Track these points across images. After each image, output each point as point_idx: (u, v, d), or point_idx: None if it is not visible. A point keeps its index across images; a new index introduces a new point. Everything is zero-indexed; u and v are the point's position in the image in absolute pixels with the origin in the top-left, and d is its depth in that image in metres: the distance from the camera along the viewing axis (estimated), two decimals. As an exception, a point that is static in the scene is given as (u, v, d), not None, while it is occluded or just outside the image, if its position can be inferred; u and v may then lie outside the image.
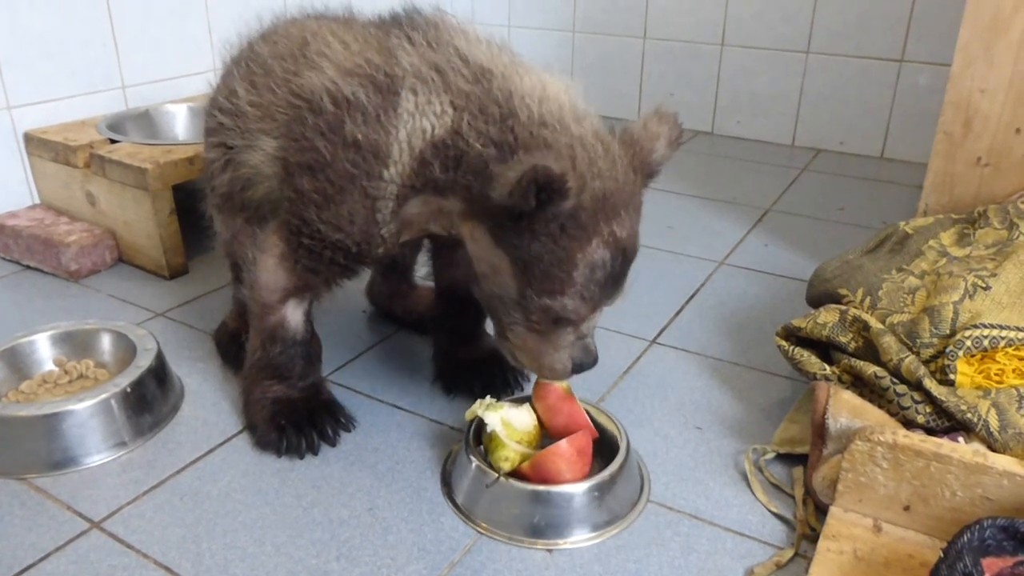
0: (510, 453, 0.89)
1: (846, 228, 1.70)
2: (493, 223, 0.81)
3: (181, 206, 1.44)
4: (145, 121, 1.67)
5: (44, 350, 1.11)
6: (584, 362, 0.89)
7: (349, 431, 1.03)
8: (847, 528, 0.85)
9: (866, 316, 0.98)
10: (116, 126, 1.57)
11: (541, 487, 0.87)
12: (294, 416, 1.00)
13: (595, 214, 0.79)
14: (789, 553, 0.85)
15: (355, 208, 0.87)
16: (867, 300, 1.02)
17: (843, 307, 1.02)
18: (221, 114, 1.01)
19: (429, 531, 0.88)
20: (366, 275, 1.36)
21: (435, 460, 0.99)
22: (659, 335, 1.28)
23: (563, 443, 0.88)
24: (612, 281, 0.83)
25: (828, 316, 1.02)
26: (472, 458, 0.91)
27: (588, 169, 0.79)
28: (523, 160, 0.76)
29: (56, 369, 1.11)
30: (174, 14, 1.78)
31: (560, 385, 0.93)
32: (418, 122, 0.84)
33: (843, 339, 0.99)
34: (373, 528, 0.88)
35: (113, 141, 1.49)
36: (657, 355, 1.23)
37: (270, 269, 0.96)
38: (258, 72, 0.97)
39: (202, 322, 1.30)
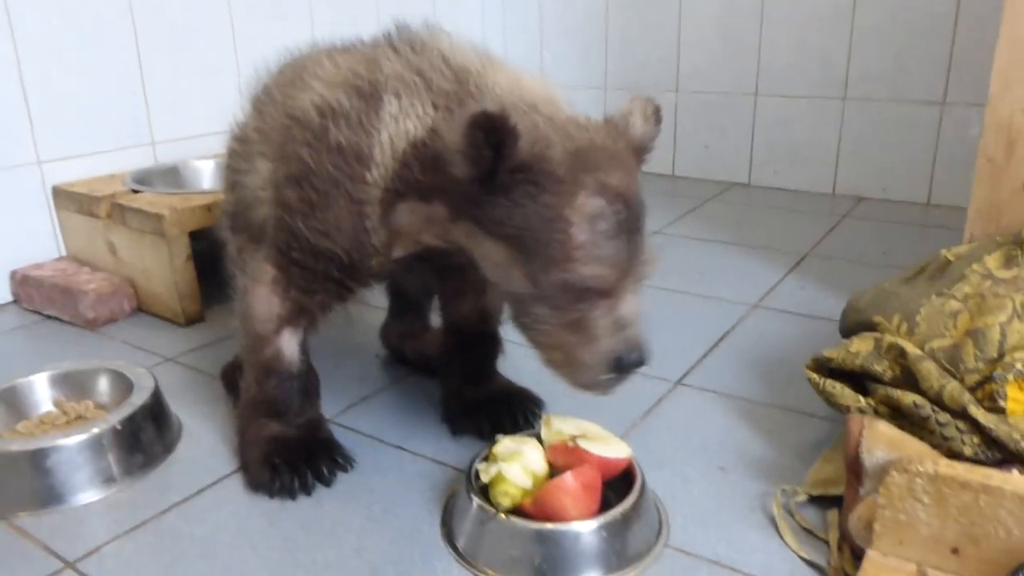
0: (510, 488, 0.81)
1: (890, 271, 1.59)
2: (475, 211, 0.77)
3: (199, 256, 1.43)
4: (173, 176, 1.69)
5: (43, 391, 1.09)
6: (625, 356, 0.77)
7: (347, 471, 0.97)
8: (886, 573, 0.75)
9: (903, 342, 0.90)
10: (144, 180, 1.59)
11: (543, 525, 0.80)
12: (289, 455, 0.95)
13: (572, 168, 0.74)
14: (822, 603, 0.76)
15: (340, 214, 0.85)
16: (904, 326, 0.93)
17: (878, 335, 0.94)
18: (233, 140, 1.05)
19: (419, 575, 0.81)
20: (376, 318, 1.32)
21: (435, 502, 0.92)
22: (684, 376, 1.20)
23: (567, 476, 0.80)
24: (624, 233, 0.75)
25: (861, 345, 0.93)
26: (472, 496, 0.84)
27: (554, 132, 0.76)
28: (457, 115, 0.74)
29: (55, 410, 1.08)
30: (205, 72, 1.82)
31: (564, 435, 0.86)
32: (401, 124, 0.82)
33: (878, 368, 0.90)
34: (359, 571, 0.81)
35: (136, 192, 1.50)
36: (681, 396, 1.15)
37: (262, 297, 0.93)
38: (264, 100, 0.99)
39: (211, 367, 1.27)
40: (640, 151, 0.84)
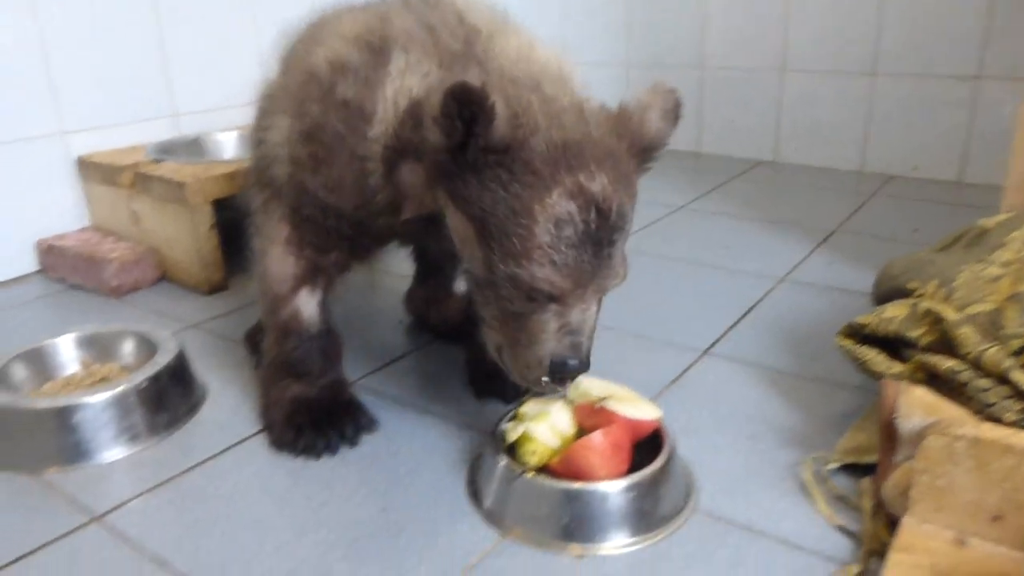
0: (538, 447, 0.80)
1: (921, 248, 1.57)
2: (447, 182, 0.75)
3: (223, 225, 1.43)
4: (195, 148, 1.69)
5: (68, 353, 1.09)
6: (567, 360, 0.74)
7: (370, 432, 0.97)
8: (923, 540, 0.73)
9: (940, 307, 0.87)
10: (166, 151, 1.58)
11: (571, 484, 0.78)
12: (312, 416, 0.95)
13: (552, 161, 0.70)
14: (854, 569, 0.74)
15: (344, 170, 0.84)
16: (941, 291, 0.91)
17: (913, 300, 0.91)
18: (260, 97, 1.04)
19: (445, 534, 0.80)
20: (400, 285, 1.31)
21: (460, 464, 0.91)
22: (712, 346, 1.18)
23: (596, 435, 0.79)
24: (591, 247, 0.71)
25: (896, 310, 0.91)
26: (499, 456, 0.83)
27: (546, 118, 0.71)
28: (442, 82, 0.71)
29: (81, 371, 1.08)
30: (227, 45, 1.81)
31: (592, 396, 0.84)
32: (406, 80, 0.80)
33: (914, 333, 0.88)
34: (385, 530, 0.80)
35: (158, 162, 1.50)
36: (709, 365, 1.13)
37: (278, 257, 0.93)
38: (288, 57, 0.99)
39: (234, 333, 1.26)
40: (648, 151, 0.78)
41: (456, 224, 0.77)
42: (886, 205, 1.86)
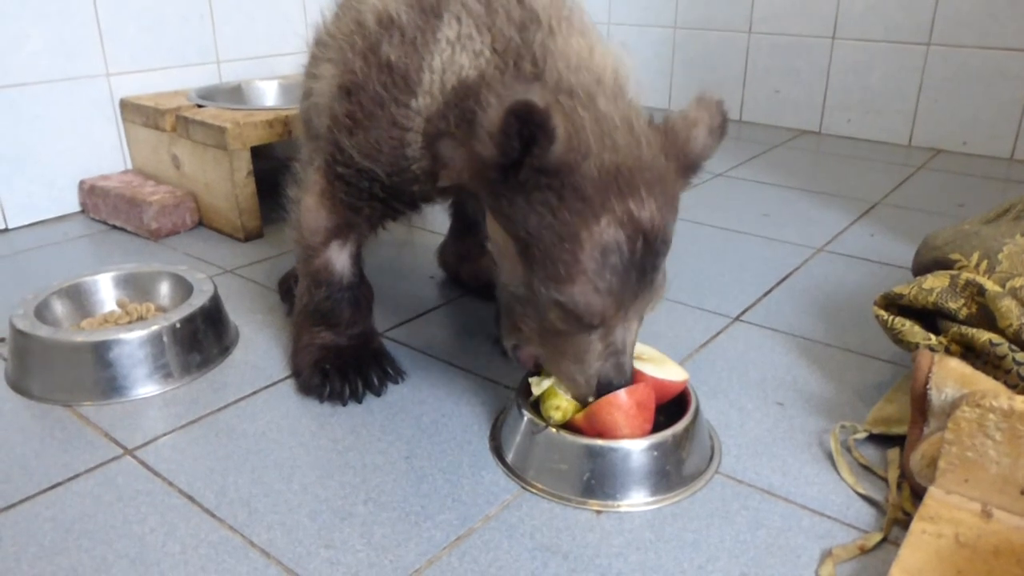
0: (562, 402, 0.80)
1: (966, 223, 1.53)
2: (492, 198, 0.73)
3: (261, 175, 1.43)
4: (236, 95, 1.70)
5: (107, 290, 1.11)
6: (613, 380, 0.76)
7: (397, 383, 0.98)
8: (948, 511, 0.72)
9: (981, 279, 0.85)
10: (208, 97, 1.60)
11: (594, 441, 0.78)
12: (340, 363, 0.95)
13: (603, 187, 0.68)
14: (876, 537, 0.73)
15: (382, 136, 0.81)
16: (984, 264, 0.89)
17: (954, 272, 0.89)
18: (314, 45, 1.02)
19: (467, 483, 0.80)
20: (433, 241, 1.31)
21: (484, 417, 0.92)
22: (743, 313, 1.17)
23: (621, 393, 0.78)
24: (635, 272, 0.70)
25: (936, 281, 0.89)
26: (523, 411, 0.83)
27: (598, 140, 0.69)
28: (503, 96, 0.67)
29: (118, 310, 1.11)
30: (271, -7, 1.81)
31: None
32: (456, 55, 0.77)
33: (953, 305, 0.86)
34: (407, 476, 0.81)
35: (200, 107, 1.51)
36: (739, 331, 1.12)
37: (312, 208, 0.92)
38: (344, 3, 0.96)
39: (268, 280, 1.28)
40: (692, 168, 0.77)
41: (495, 235, 0.76)
42: (932, 179, 1.81)
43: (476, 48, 0.77)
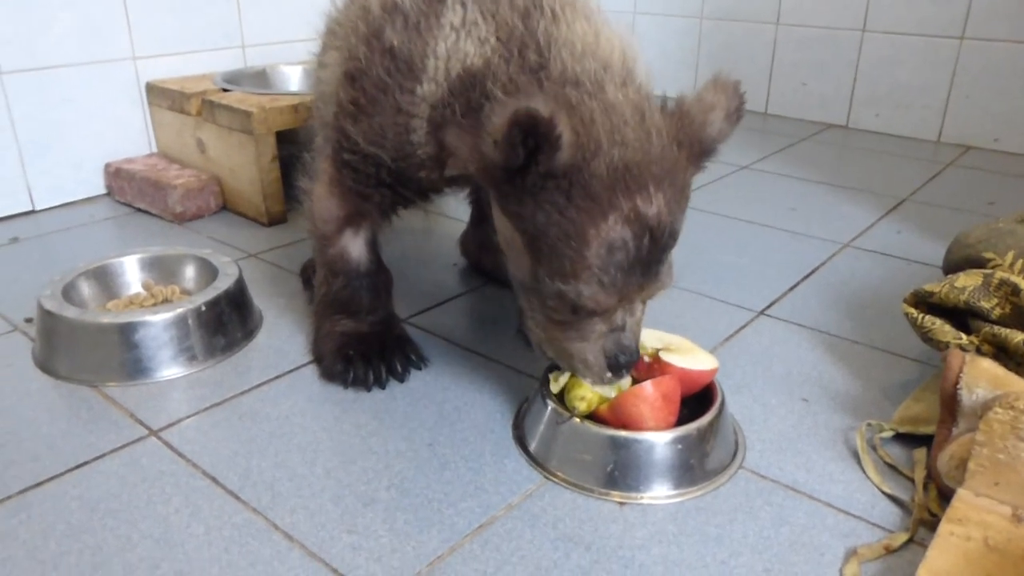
0: (587, 393, 0.80)
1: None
2: (499, 195, 0.72)
3: (286, 160, 1.44)
4: (261, 79, 1.70)
5: (132, 272, 1.12)
6: (617, 356, 0.75)
7: (420, 369, 0.98)
8: (977, 513, 0.71)
9: (1016, 279, 0.84)
10: (233, 81, 1.60)
11: (618, 432, 0.78)
12: (363, 349, 0.96)
13: (612, 185, 0.67)
14: (902, 538, 0.73)
15: (386, 122, 0.81)
16: (1019, 263, 0.87)
17: (987, 271, 0.88)
18: (324, 32, 1.02)
19: (490, 472, 0.80)
20: (455, 229, 1.31)
21: (508, 405, 0.92)
22: (768, 307, 1.16)
23: (646, 384, 0.78)
24: (640, 267, 0.70)
25: (968, 280, 0.88)
26: (548, 400, 0.83)
27: (608, 135, 0.67)
28: (507, 103, 0.66)
29: (143, 292, 1.11)
30: (297, -23, 1.81)
31: (646, 348, 0.84)
32: (461, 42, 0.76)
33: (986, 304, 0.85)
34: (430, 463, 0.81)
35: (226, 91, 1.51)
36: (764, 326, 1.11)
37: (322, 197, 0.92)
38: None
39: (292, 264, 1.28)
40: (706, 154, 0.75)
41: (503, 228, 0.76)
42: (962, 176, 1.78)
43: (481, 35, 0.76)
